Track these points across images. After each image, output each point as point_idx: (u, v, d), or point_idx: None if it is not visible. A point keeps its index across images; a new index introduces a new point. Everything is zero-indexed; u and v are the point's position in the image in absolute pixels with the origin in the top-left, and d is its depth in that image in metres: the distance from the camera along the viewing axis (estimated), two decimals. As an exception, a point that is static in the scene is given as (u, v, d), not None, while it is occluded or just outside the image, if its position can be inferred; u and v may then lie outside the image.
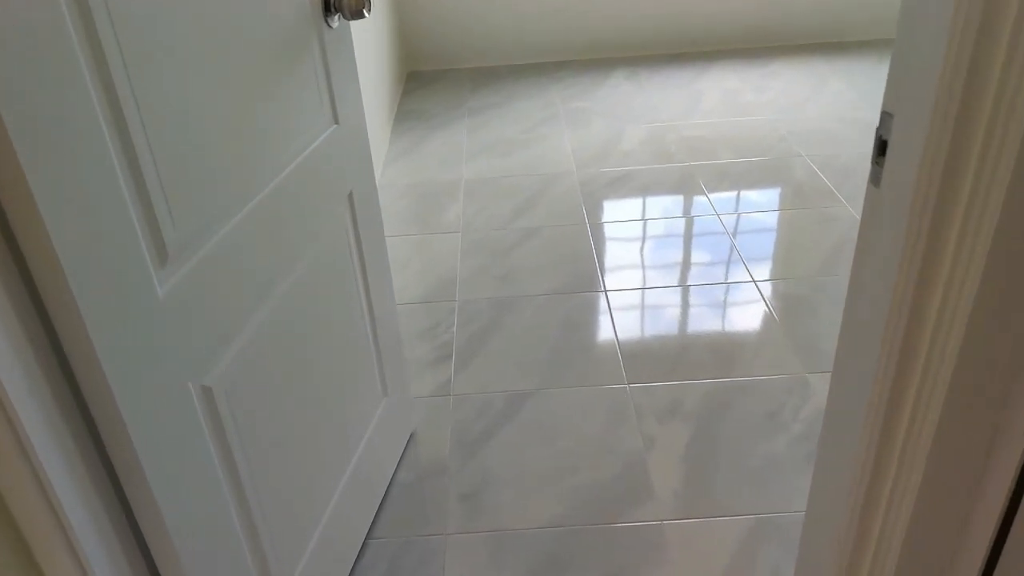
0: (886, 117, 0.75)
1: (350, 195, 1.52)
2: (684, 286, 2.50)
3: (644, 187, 3.13)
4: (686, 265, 2.61)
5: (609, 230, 2.84)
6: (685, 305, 2.41)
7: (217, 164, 1.07)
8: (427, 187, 3.23)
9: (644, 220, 2.90)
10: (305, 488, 1.41)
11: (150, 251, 0.96)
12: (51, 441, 0.84)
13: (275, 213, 1.23)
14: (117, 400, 0.90)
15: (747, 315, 2.34)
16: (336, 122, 1.45)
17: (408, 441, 1.97)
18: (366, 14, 1.40)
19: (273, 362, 1.25)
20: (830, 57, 4.35)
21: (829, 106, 3.75)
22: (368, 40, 3.31)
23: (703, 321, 2.33)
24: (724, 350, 2.20)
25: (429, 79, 4.41)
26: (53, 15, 0.77)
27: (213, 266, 1.07)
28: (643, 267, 2.61)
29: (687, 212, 2.93)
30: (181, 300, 1.01)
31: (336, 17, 1.40)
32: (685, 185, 3.12)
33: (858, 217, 2.80)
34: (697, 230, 2.81)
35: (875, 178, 0.77)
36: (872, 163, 0.78)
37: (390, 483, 1.85)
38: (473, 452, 1.92)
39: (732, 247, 2.68)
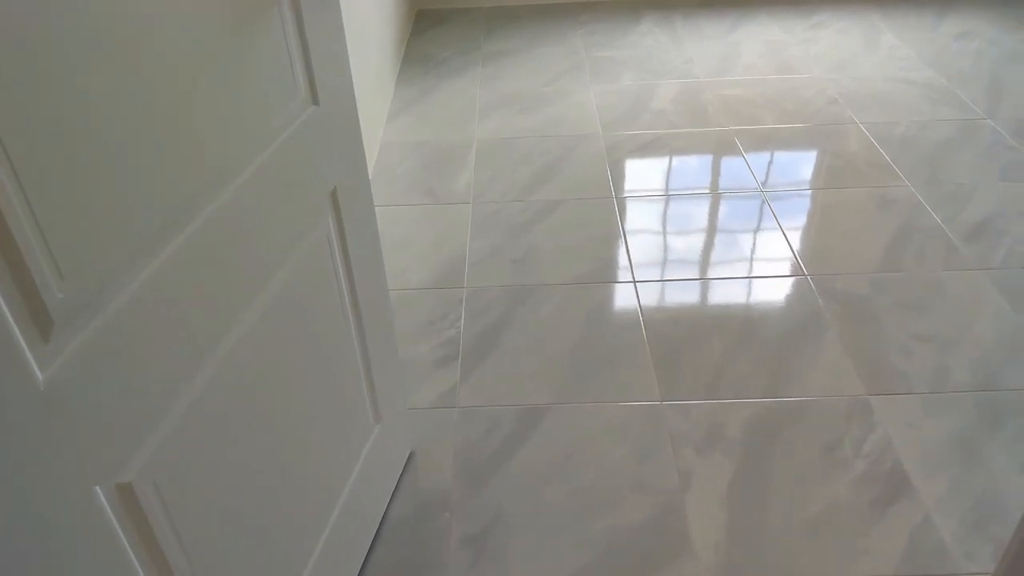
0: None
1: (333, 193, 1.21)
2: (723, 279, 2.19)
3: (677, 155, 2.78)
4: (725, 253, 2.29)
5: (638, 206, 2.52)
6: (725, 302, 2.11)
7: (130, 182, 0.76)
8: (435, 147, 2.89)
9: (677, 195, 2.57)
10: (273, 559, 1.14)
11: (21, 321, 0.66)
12: None
13: (225, 236, 0.92)
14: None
15: (797, 318, 2.04)
16: (315, 103, 1.13)
17: (406, 464, 1.69)
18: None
19: (224, 430, 0.96)
20: (883, 5, 3.93)
21: (884, 64, 3.36)
22: (372, -24, 2.93)
23: (747, 323, 2.03)
24: (772, 361, 1.91)
25: (440, 18, 4.01)
26: None
27: (126, 329, 0.77)
28: (676, 254, 2.30)
29: (726, 187, 2.59)
30: (76, 384, 0.71)
31: (316, -36, 1.07)
32: (724, 154, 2.77)
33: (922, 200, 2.47)
34: (738, 210, 2.48)
35: None
36: None
37: (383, 519, 1.58)
38: (480, 482, 1.65)
39: (779, 232, 2.36)
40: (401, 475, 1.67)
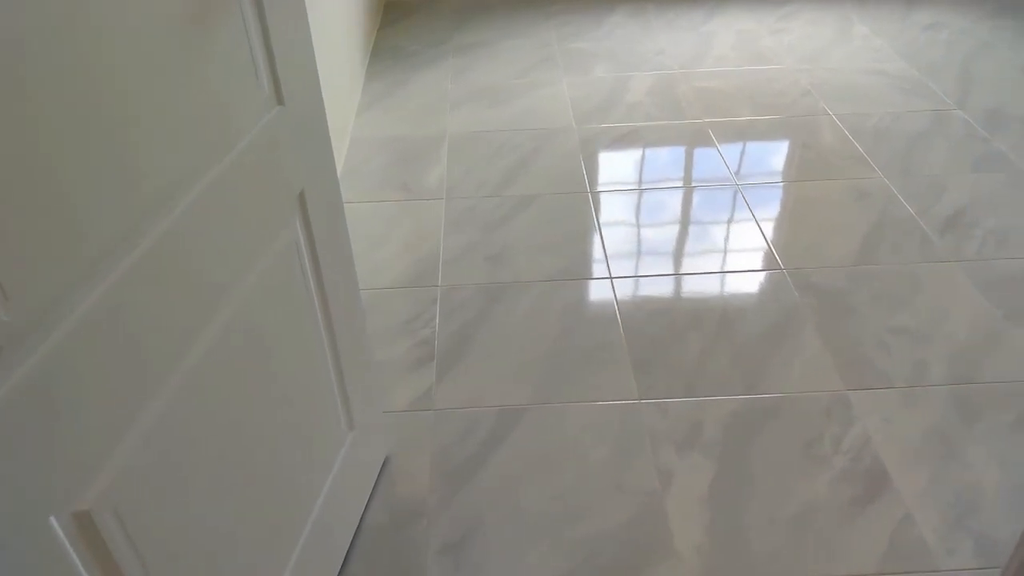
0: None
1: (301, 196, 1.16)
2: (699, 274, 2.17)
3: (652, 148, 2.76)
4: (701, 248, 2.28)
5: (614, 200, 2.49)
6: (702, 297, 2.09)
7: (77, 196, 0.71)
8: (406, 141, 2.84)
9: (652, 188, 2.54)
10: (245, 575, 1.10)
11: (-37, 347, 0.61)
12: None
13: (183, 248, 0.87)
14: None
15: (775, 312, 2.03)
16: (280, 102, 1.08)
17: (381, 469, 1.65)
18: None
19: (188, 449, 0.92)
20: (854, -4, 3.93)
21: (856, 54, 3.36)
22: (339, -33, 2.86)
23: (724, 318, 2.01)
24: (750, 357, 1.89)
25: (410, 10, 3.95)
26: None
27: (78, 351, 0.72)
28: (652, 248, 2.27)
29: (701, 181, 2.57)
30: (25, 410, 0.67)
31: (278, -43, 1.02)
32: (698, 147, 2.75)
33: (896, 192, 2.47)
34: (714, 204, 2.46)
35: None
36: None
37: (358, 528, 1.54)
38: (457, 486, 1.62)
39: (755, 226, 2.35)
40: (376, 482, 1.63)
